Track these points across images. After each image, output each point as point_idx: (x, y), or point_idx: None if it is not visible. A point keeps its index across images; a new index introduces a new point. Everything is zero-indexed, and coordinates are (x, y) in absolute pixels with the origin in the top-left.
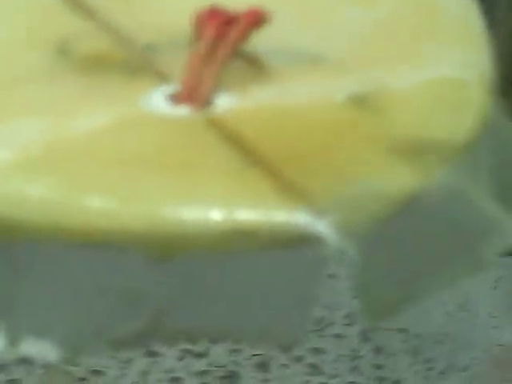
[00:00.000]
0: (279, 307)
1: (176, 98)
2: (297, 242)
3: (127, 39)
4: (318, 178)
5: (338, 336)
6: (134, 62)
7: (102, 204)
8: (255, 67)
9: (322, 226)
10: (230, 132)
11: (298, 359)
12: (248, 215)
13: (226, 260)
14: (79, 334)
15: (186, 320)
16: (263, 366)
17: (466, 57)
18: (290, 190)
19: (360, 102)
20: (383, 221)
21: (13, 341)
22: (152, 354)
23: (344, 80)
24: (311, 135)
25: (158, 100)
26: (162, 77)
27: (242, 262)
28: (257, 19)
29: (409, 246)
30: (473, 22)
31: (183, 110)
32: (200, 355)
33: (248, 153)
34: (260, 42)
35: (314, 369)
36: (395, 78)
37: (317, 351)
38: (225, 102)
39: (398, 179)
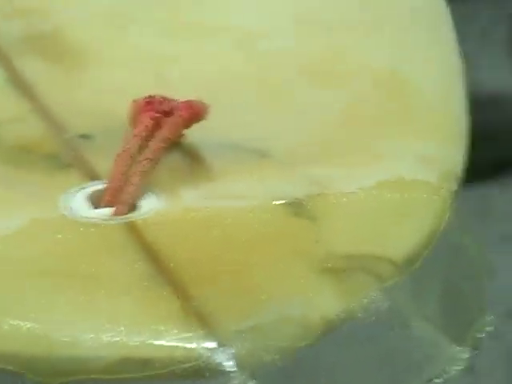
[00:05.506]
0: None
1: (99, 200)
2: (195, 373)
3: (61, 127)
4: (228, 303)
5: None
6: (63, 155)
7: None
8: (191, 164)
9: (223, 358)
10: (147, 242)
11: None
12: (144, 342)
13: None
14: None
15: None
16: None
17: (433, 151)
18: (196, 316)
19: (297, 208)
20: (298, 349)
21: None
22: None
23: (284, 182)
24: (235, 247)
25: (79, 201)
26: (89, 173)
27: None
28: (195, 111)
29: (328, 376)
30: (451, 107)
31: (104, 214)
32: None
33: (160, 267)
34: (201, 133)
35: None
36: (342, 179)
37: None
38: (151, 205)
39: (321, 303)
